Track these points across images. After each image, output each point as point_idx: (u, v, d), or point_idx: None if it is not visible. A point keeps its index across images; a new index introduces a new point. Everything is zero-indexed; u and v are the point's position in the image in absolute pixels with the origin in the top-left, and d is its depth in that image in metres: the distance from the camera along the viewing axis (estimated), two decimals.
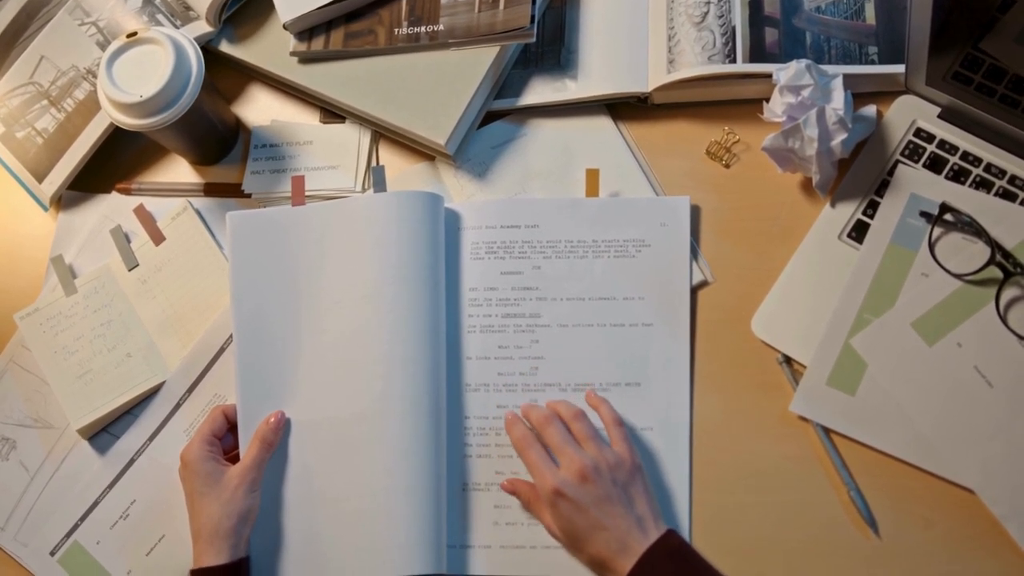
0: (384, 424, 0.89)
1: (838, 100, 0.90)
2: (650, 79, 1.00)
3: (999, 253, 0.88)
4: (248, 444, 0.91)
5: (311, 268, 0.96)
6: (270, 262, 0.96)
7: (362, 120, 1.06)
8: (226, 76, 1.12)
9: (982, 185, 0.93)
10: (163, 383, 0.99)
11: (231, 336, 0.98)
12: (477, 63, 1.00)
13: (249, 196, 1.06)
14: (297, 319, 0.95)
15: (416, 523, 0.87)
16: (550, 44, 1.05)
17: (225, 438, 0.93)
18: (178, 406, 0.98)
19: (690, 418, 0.91)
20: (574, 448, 0.85)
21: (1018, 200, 0.92)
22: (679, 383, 0.92)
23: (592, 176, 0.99)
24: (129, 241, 1.05)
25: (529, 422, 0.90)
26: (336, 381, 0.92)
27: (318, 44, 1.05)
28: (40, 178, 1.07)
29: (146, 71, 0.96)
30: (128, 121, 0.96)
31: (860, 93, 0.97)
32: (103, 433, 0.99)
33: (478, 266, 0.98)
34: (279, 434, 0.91)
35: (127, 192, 1.09)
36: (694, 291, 0.95)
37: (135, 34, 0.97)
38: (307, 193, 1.03)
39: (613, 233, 0.97)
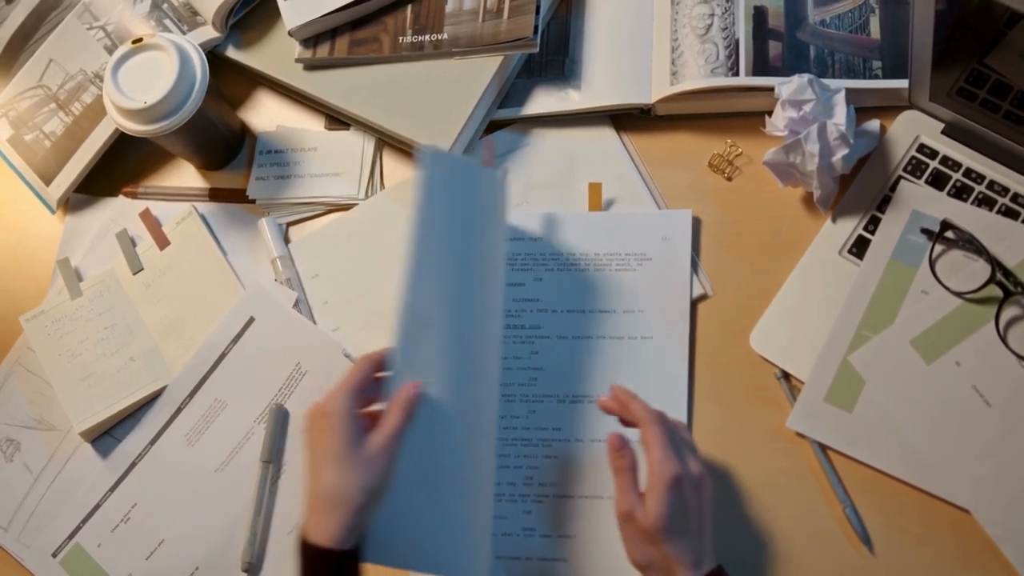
0: (489, 417, 0.89)
1: (840, 115, 0.90)
2: (653, 90, 1.00)
3: (1000, 271, 0.88)
4: (390, 409, 0.78)
5: (480, 231, 0.92)
6: (454, 210, 0.89)
7: (366, 127, 1.06)
8: (233, 81, 1.12)
9: (984, 202, 0.92)
10: (165, 387, 1.00)
11: (233, 341, 0.99)
12: (481, 72, 1.01)
13: (254, 202, 1.06)
14: (457, 280, 0.88)
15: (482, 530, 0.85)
16: (554, 54, 1.05)
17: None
18: (179, 411, 0.99)
19: (689, 431, 0.91)
20: (689, 453, 0.81)
21: (1020, 218, 0.91)
22: (677, 397, 0.92)
23: (595, 190, 0.99)
24: (135, 245, 1.06)
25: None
26: (463, 359, 0.86)
27: (323, 51, 1.05)
28: (48, 181, 1.08)
29: (151, 77, 0.96)
30: (133, 127, 0.97)
31: (863, 108, 0.97)
32: (106, 436, 1.00)
33: None
34: (417, 407, 0.79)
35: (133, 196, 1.10)
36: (694, 304, 0.95)
37: (140, 40, 0.97)
38: (308, 200, 1.04)
39: (615, 246, 0.97)
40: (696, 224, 0.98)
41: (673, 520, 0.76)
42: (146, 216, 1.07)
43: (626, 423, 0.84)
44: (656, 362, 0.93)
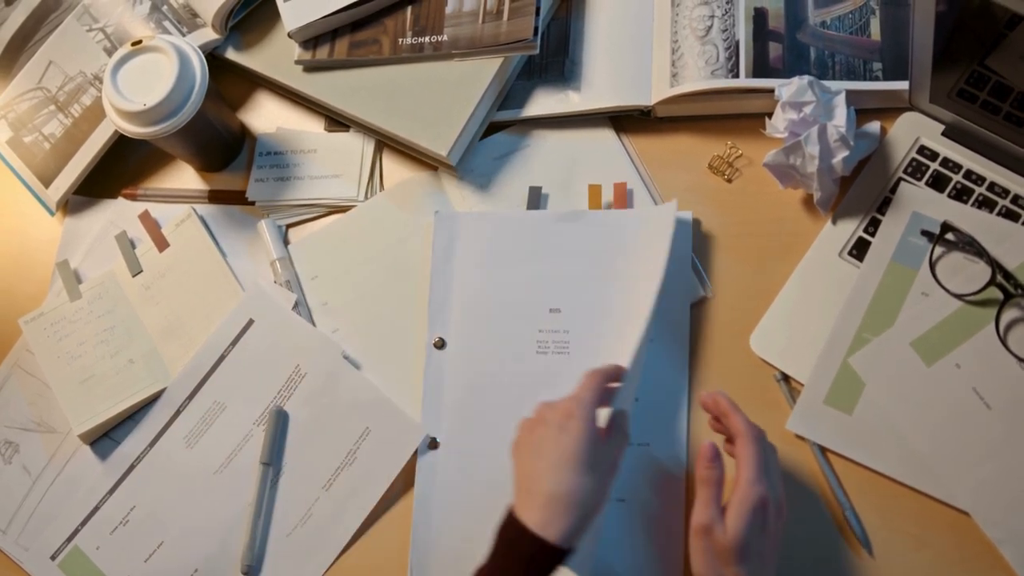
0: None
1: (840, 117, 0.90)
2: (653, 92, 1.00)
3: (1000, 274, 0.87)
4: (619, 429, 0.81)
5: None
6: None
7: (366, 129, 1.06)
8: (232, 83, 1.12)
9: (985, 204, 0.92)
10: (164, 389, 0.99)
11: (232, 343, 0.99)
12: (480, 74, 1.00)
13: (253, 204, 1.06)
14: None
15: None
16: (554, 55, 1.04)
17: None
18: (178, 413, 0.99)
19: (687, 434, 0.91)
20: (778, 479, 0.81)
21: (1020, 220, 0.91)
22: (677, 399, 0.92)
23: (594, 191, 0.99)
24: (134, 247, 1.06)
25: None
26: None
27: (323, 53, 1.05)
28: (47, 183, 1.08)
29: (150, 79, 0.96)
30: (132, 129, 0.97)
31: (864, 109, 0.97)
32: (105, 438, 1.00)
33: None
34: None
35: (133, 198, 1.09)
36: (693, 306, 0.95)
37: (140, 42, 0.97)
38: (308, 202, 1.04)
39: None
40: (696, 226, 0.98)
41: (751, 543, 0.75)
42: (145, 218, 1.07)
43: (719, 431, 0.85)
44: (655, 365, 0.93)
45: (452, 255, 0.99)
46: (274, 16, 1.08)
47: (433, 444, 0.94)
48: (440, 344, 0.97)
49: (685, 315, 0.94)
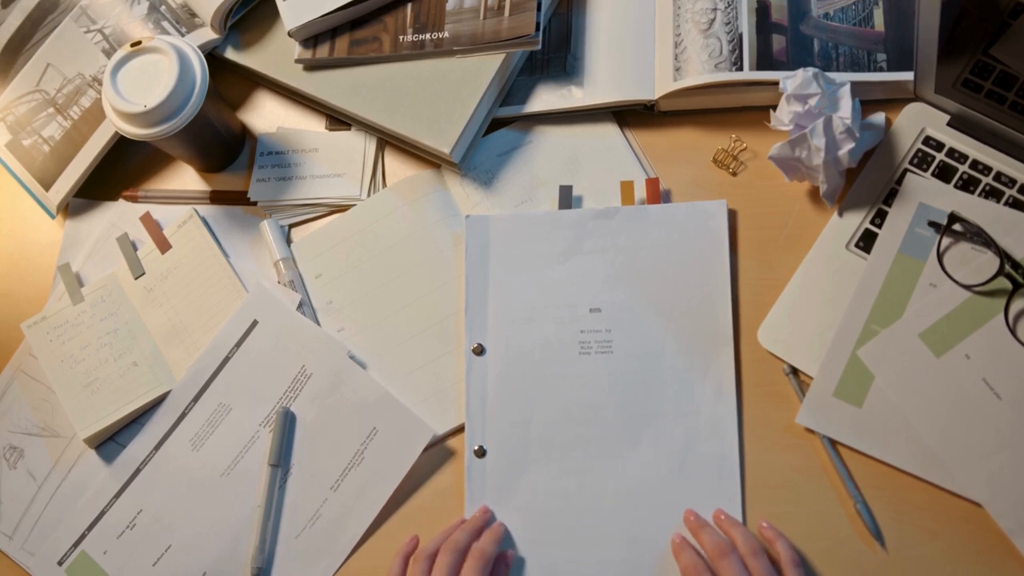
0: None
1: (845, 109, 0.89)
2: (656, 87, 0.99)
3: (1008, 264, 0.87)
4: None
5: None
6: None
7: (367, 128, 1.05)
8: (232, 83, 1.12)
9: (991, 194, 0.92)
10: (168, 392, 0.99)
11: (236, 345, 0.99)
12: (482, 70, 1.00)
13: (255, 204, 1.06)
14: None
15: None
16: (556, 51, 1.04)
17: None
18: (183, 416, 0.98)
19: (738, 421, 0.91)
20: None
21: None
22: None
23: (627, 188, 0.98)
24: (136, 249, 1.06)
25: (702, 545, 0.86)
26: None
27: (323, 51, 1.04)
28: (47, 186, 1.08)
29: (150, 80, 0.95)
30: (132, 131, 0.96)
31: (869, 100, 0.97)
32: (110, 442, 0.99)
33: None
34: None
35: (133, 200, 1.09)
36: None
37: (139, 43, 0.97)
38: (310, 201, 1.04)
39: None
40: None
41: None
42: (147, 220, 1.06)
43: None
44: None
45: (486, 259, 0.98)
46: (273, 15, 1.07)
47: (480, 452, 0.93)
48: (479, 350, 0.96)
49: (727, 307, 0.94)
